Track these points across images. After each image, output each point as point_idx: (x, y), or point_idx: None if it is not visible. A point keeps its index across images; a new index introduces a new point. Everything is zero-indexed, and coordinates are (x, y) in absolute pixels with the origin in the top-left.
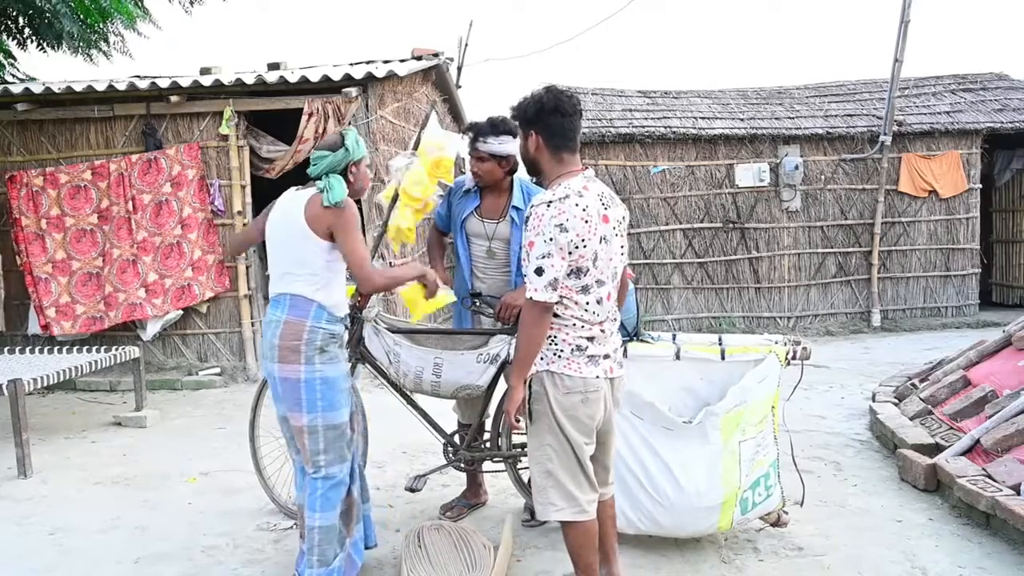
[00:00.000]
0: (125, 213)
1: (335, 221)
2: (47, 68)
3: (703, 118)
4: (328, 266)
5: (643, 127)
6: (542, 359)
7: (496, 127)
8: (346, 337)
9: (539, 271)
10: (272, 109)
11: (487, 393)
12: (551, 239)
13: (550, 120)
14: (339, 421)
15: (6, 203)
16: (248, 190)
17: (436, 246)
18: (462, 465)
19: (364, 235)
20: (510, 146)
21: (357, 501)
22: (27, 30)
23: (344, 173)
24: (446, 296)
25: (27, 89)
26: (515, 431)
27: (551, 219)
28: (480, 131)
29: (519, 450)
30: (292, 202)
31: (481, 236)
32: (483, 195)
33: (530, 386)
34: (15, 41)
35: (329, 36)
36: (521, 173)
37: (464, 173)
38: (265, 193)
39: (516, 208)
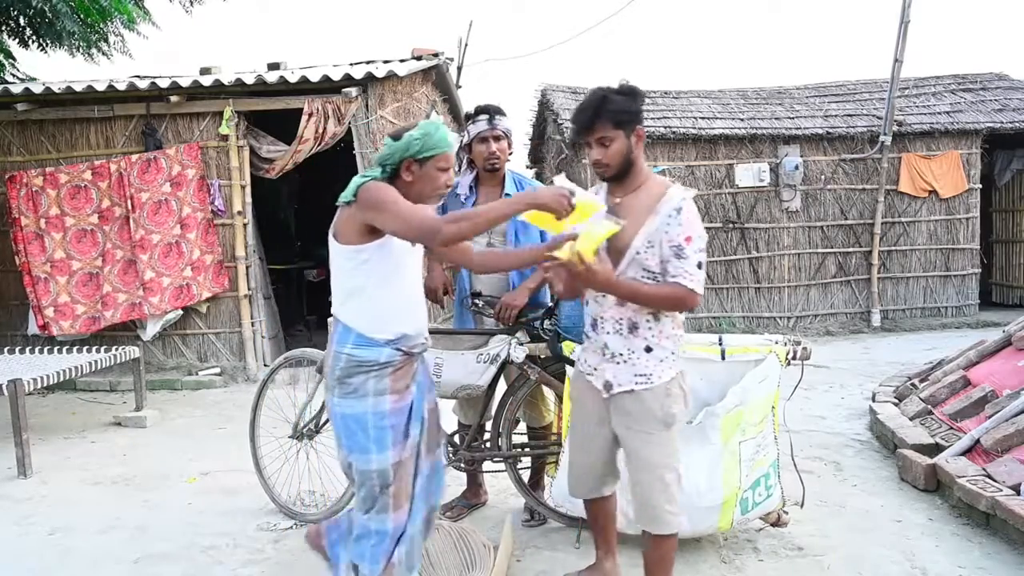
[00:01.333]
0: (125, 213)
1: (357, 214)
2: (47, 68)
3: (703, 118)
4: (351, 274)
5: (643, 127)
6: (675, 359)
7: (499, 108)
8: (393, 367)
9: (700, 265)
10: (272, 109)
11: (487, 393)
12: (701, 235)
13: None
14: (368, 467)
15: (6, 203)
16: (248, 190)
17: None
18: (462, 465)
19: None
20: (511, 125)
21: (398, 568)
22: (27, 30)
23: (397, 169)
24: (591, 204)
25: (27, 89)
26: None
27: (696, 214)
28: (492, 110)
29: (519, 450)
30: None
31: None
32: (479, 191)
33: (667, 389)
34: (16, 40)
35: (329, 36)
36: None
37: (461, 173)
38: (265, 193)
39: (509, 197)
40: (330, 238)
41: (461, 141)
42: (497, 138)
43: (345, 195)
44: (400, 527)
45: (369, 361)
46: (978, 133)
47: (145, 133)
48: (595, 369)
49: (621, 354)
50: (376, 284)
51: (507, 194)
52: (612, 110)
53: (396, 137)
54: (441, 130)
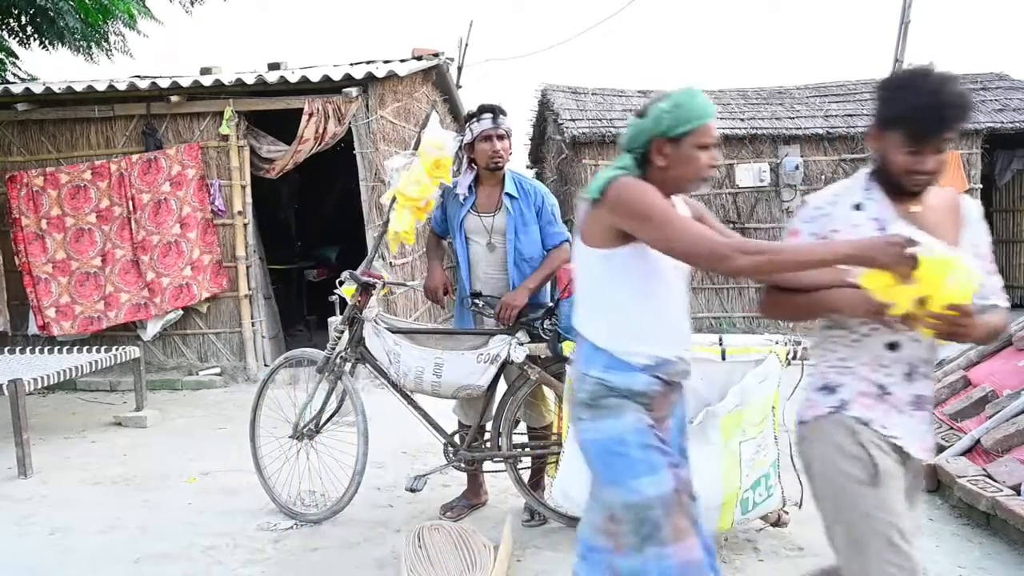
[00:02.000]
0: (125, 213)
1: (606, 216)
2: (48, 67)
3: None
4: (602, 283)
5: None
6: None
7: (503, 108)
8: (650, 397)
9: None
10: (272, 109)
11: (488, 393)
12: None
13: None
14: (642, 495)
15: (6, 203)
16: (248, 190)
17: (434, 248)
18: (462, 465)
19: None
20: (511, 124)
21: None
22: (29, 28)
23: (646, 153)
24: (944, 261)
25: (27, 89)
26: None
27: None
28: (497, 109)
29: (520, 450)
30: None
31: (480, 232)
32: (479, 190)
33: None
34: (17, 39)
35: (329, 36)
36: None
37: (461, 173)
38: (265, 193)
39: (509, 195)
40: (575, 238)
41: (462, 140)
42: (501, 137)
43: (591, 190)
44: (693, 564)
45: (622, 389)
46: (978, 133)
47: (145, 133)
48: (905, 432)
49: (929, 403)
50: (632, 296)
51: (507, 193)
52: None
53: (642, 114)
54: (697, 97)
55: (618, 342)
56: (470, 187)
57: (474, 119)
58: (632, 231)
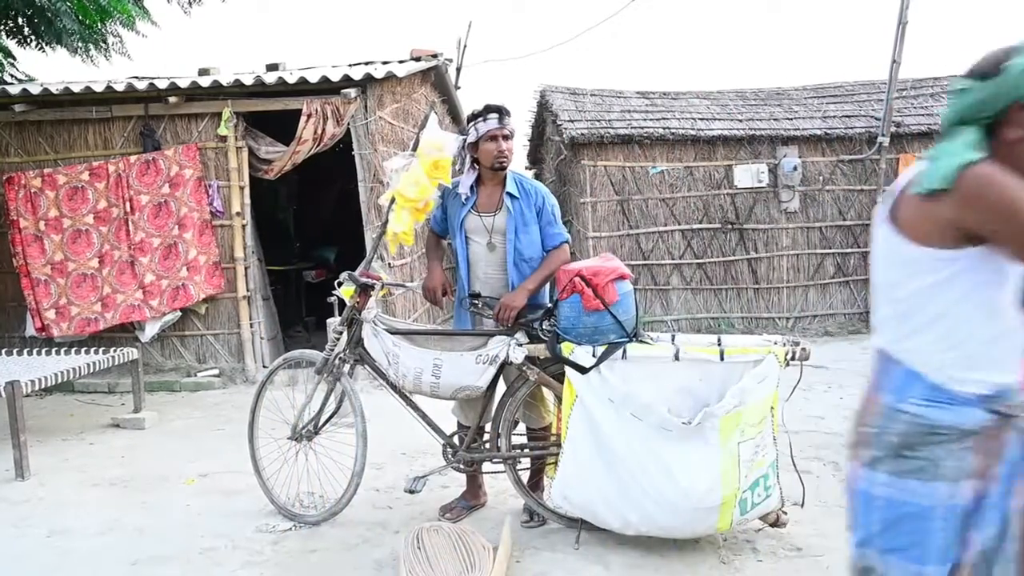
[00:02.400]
0: (123, 214)
1: (949, 211)
2: (46, 68)
3: (702, 119)
4: (931, 291)
5: (642, 128)
6: None
7: (508, 109)
8: (981, 436)
9: None
10: (271, 110)
11: (486, 394)
12: None
13: None
14: None
15: (4, 205)
16: (247, 191)
17: (434, 249)
18: (461, 466)
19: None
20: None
21: None
22: (27, 29)
23: (994, 124)
24: None
25: (25, 90)
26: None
27: None
28: (504, 111)
29: (519, 451)
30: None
31: (480, 231)
32: (479, 190)
33: None
34: (15, 40)
35: (328, 37)
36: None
37: (463, 172)
38: (263, 194)
39: (510, 195)
40: (887, 230)
41: (466, 139)
42: (507, 137)
43: (931, 179)
44: None
45: (947, 427)
46: None
47: (143, 134)
48: None
49: None
50: (975, 310)
51: (508, 193)
52: None
53: (984, 74)
54: None
55: (950, 367)
56: (472, 187)
57: (479, 118)
58: (988, 232)
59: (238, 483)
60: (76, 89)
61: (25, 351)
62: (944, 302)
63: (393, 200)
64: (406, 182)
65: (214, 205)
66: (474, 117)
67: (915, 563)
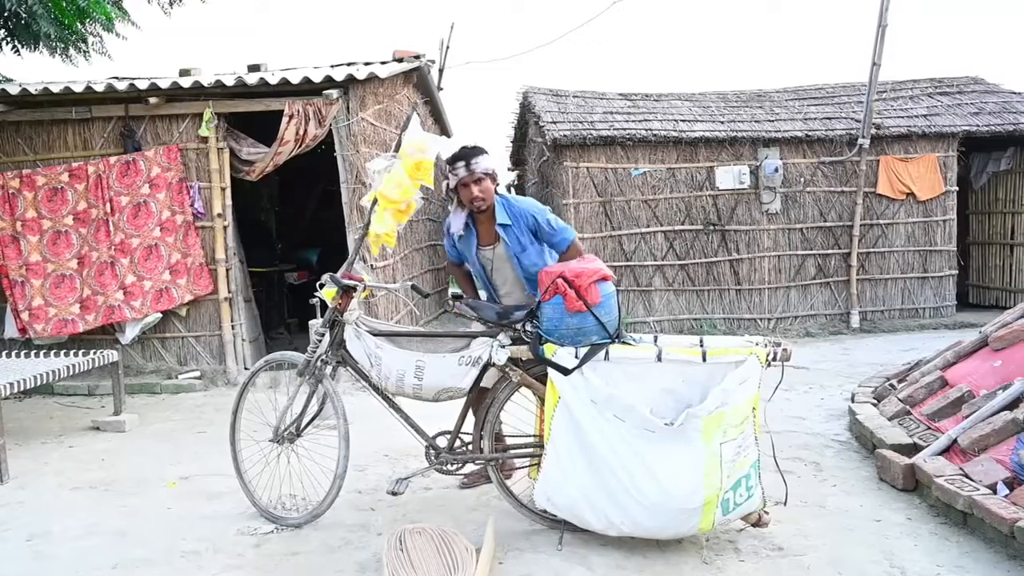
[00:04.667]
0: (103, 215)
1: None
2: (24, 69)
3: (684, 121)
4: None
5: (624, 130)
6: None
7: (477, 148)
8: None
9: None
10: (252, 111)
11: (469, 396)
12: None
13: None
14: None
15: None
16: (228, 192)
17: (461, 276)
18: (444, 468)
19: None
20: (492, 160)
21: None
22: (2, 31)
23: None
24: None
25: (3, 90)
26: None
27: None
28: (469, 155)
29: (502, 453)
30: None
31: (488, 261)
32: (478, 228)
33: None
34: None
35: (310, 38)
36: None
37: (452, 212)
38: (245, 195)
39: (502, 226)
40: None
41: (447, 184)
42: (478, 181)
43: None
44: None
45: None
46: (955, 136)
47: (123, 135)
48: None
49: None
50: None
51: (500, 224)
52: None
53: None
54: None
55: None
56: (467, 224)
57: (451, 167)
58: None
59: (220, 486)
60: (55, 89)
61: (3, 353)
62: None
63: (375, 201)
64: (388, 183)
65: (195, 206)
66: (450, 162)
67: None
